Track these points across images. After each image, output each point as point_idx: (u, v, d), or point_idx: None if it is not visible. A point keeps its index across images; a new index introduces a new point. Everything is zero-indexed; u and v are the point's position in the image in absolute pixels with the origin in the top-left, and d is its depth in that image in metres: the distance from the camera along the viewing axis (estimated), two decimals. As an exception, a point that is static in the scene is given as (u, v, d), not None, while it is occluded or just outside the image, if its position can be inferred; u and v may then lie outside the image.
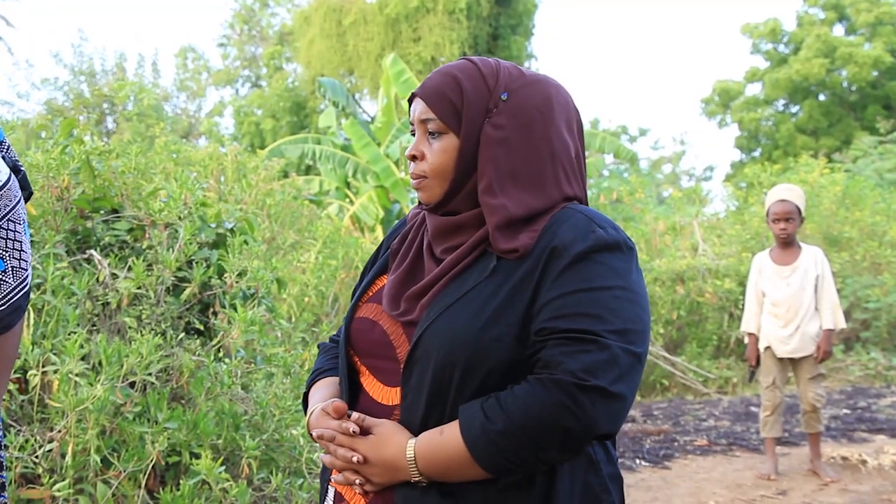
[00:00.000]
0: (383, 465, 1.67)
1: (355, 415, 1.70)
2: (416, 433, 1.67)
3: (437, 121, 1.77)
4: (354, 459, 1.67)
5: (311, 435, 1.83)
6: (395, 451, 1.66)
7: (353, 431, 1.68)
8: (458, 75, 1.79)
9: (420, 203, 1.89)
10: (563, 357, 1.57)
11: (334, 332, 2.14)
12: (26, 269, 1.75)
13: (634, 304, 1.66)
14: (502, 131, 1.76)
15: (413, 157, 1.80)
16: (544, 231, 1.71)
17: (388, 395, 1.75)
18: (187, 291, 4.21)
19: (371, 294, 1.89)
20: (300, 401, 2.03)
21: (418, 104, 1.81)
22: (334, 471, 1.78)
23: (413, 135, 1.85)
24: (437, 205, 1.80)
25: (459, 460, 1.61)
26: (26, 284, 1.76)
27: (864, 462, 6.53)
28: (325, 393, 1.90)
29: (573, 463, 1.68)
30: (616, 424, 1.62)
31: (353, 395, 1.82)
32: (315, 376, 1.99)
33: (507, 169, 1.75)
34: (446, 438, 1.63)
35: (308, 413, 1.87)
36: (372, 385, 1.80)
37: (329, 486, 1.85)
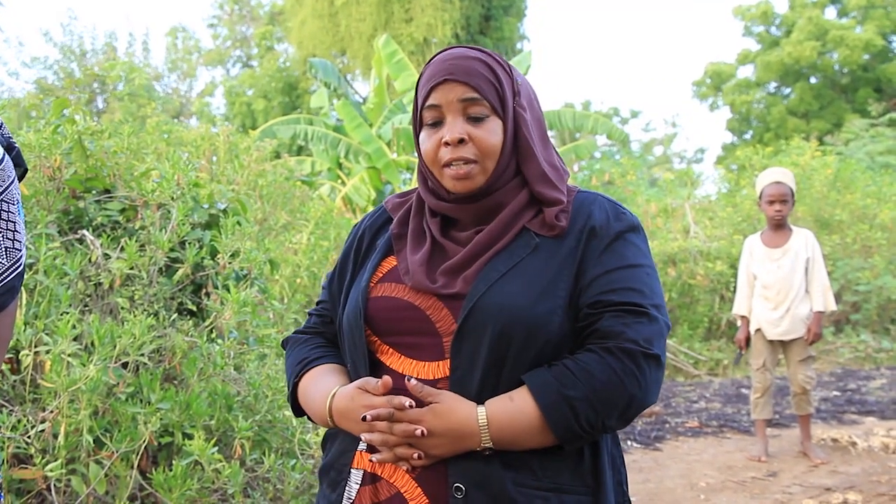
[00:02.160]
0: (450, 434, 1.65)
1: (413, 382, 1.67)
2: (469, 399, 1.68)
3: (484, 104, 1.78)
4: (418, 433, 1.65)
5: (331, 420, 1.80)
6: (463, 418, 1.65)
7: (410, 405, 1.66)
8: (485, 59, 1.82)
9: (426, 195, 1.88)
10: (624, 327, 1.67)
11: (300, 325, 2.11)
12: (20, 250, 1.74)
13: (658, 281, 1.78)
14: (527, 114, 1.84)
15: (461, 141, 1.77)
16: (575, 212, 1.81)
17: (427, 370, 1.74)
18: (180, 272, 4.20)
19: (380, 275, 1.87)
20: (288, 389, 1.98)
21: (455, 87, 1.78)
22: (359, 452, 1.77)
23: (431, 124, 1.82)
24: (478, 193, 1.81)
25: (531, 426, 1.64)
26: (20, 265, 1.74)
27: (853, 444, 6.56)
28: (333, 379, 1.86)
29: (605, 436, 1.78)
30: (657, 394, 1.72)
31: (374, 376, 1.78)
32: (303, 367, 1.93)
33: (542, 150, 1.86)
34: (518, 405, 1.65)
35: (328, 399, 1.80)
36: (400, 363, 1.77)
37: (352, 469, 1.80)
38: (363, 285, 1.85)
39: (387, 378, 1.70)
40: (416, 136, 1.88)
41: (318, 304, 2.07)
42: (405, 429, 1.66)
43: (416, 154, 1.91)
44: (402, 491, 1.72)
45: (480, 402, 1.67)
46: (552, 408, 1.63)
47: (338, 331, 1.92)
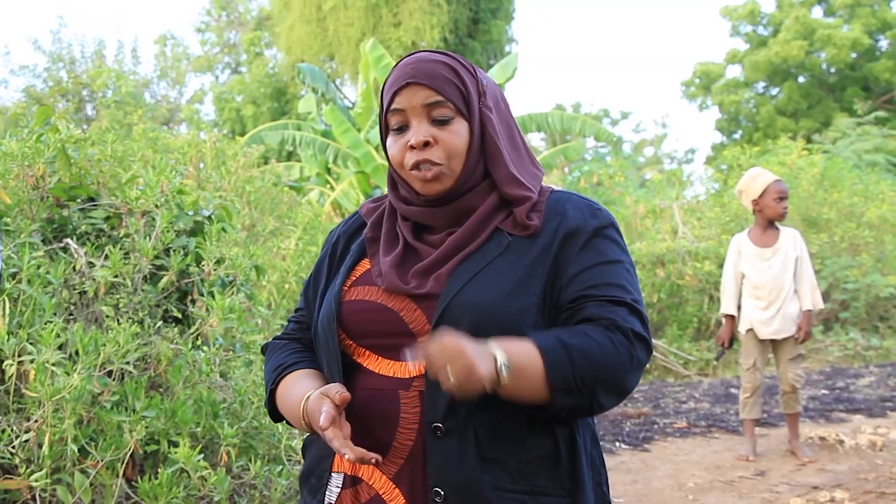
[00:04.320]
0: (472, 353, 1.53)
1: (409, 358, 1.67)
2: (443, 401, 1.67)
3: (448, 105, 1.79)
4: (372, 461, 1.64)
5: (305, 423, 1.78)
6: (475, 343, 1.57)
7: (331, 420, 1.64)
8: (448, 62, 1.82)
9: (399, 198, 1.88)
10: (610, 314, 1.69)
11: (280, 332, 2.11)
12: (-3, 259, 1.75)
13: (636, 277, 1.80)
14: (493, 115, 1.85)
15: (426, 144, 1.77)
16: (549, 211, 1.81)
17: (403, 369, 1.75)
18: (165, 279, 4.20)
19: (354, 278, 1.87)
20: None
21: (418, 91, 1.78)
22: (339, 457, 1.75)
23: (397, 129, 1.82)
24: (446, 196, 1.81)
25: (532, 365, 1.61)
26: (-3, 274, 1.75)
27: (841, 442, 6.57)
28: (308, 383, 1.85)
29: (584, 437, 1.80)
30: (639, 380, 1.76)
31: (348, 379, 1.79)
32: (280, 373, 1.93)
33: (511, 151, 1.86)
34: (521, 343, 1.64)
35: (302, 402, 1.78)
36: (376, 363, 1.78)
37: (332, 473, 1.81)
38: (336, 289, 1.85)
39: (346, 393, 1.69)
40: (384, 141, 1.88)
41: (296, 310, 2.08)
42: (339, 445, 1.64)
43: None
44: (380, 493, 1.73)
45: (456, 404, 1.67)
46: (551, 349, 1.63)
47: (313, 335, 1.92)
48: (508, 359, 1.58)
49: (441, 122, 1.78)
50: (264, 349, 2.08)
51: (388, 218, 1.92)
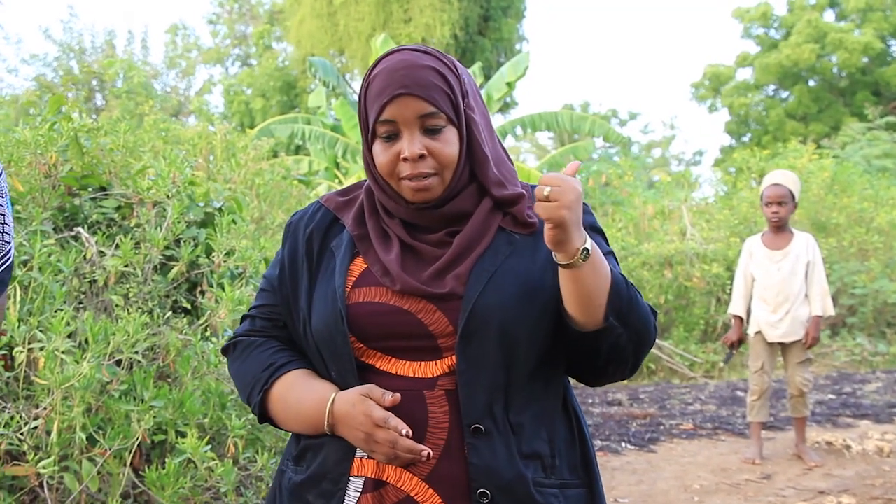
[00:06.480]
0: (577, 212, 1.58)
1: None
2: (480, 401, 1.69)
3: (441, 116, 1.75)
4: (424, 455, 1.65)
5: (328, 426, 1.73)
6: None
7: (407, 433, 1.65)
8: (436, 66, 1.78)
9: (377, 204, 1.85)
10: None
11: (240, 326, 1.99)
12: (9, 243, 1.73)
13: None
14: (476, 115, 1.82)
15: (421, 157, 1.73)
16: None
17: (423, 369, 1.73)
18: (175, 270, 4.20)
19: (353, 279, 1.80)
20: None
21: (411, 102, 1.73)
22: (358, 459, 1.74)
23: (386, 137, 1.76)
24: (439, 202, 1.79)
25: (604, 273, 1.66)
26: (9, 259, 1.74)
27: (848, 447, 6.56)
28: (322, 384, 1.79)
29: (587, 431, 1.84)
30: (643, 359, 1.83)
31: (362, 381, 1.74)
32: (273, 372, 1.84)
33: (493, 150, 1.85)
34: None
35: (328, 404, 1.73)
36: (391, 364, 1.75)
37: (351, 478, 1.75)
38: (340, 291, 1.77)
39: (397, 395, 1.68)
40: (367, 145, 1.82)
41: (259, 306, 1.95)
42: (411, 446, 1.65)
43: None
44: (411, 494, 1.70)
45: (493, 399, 1.70)
46: (618, 275, 1.69)
47: (302, 338, 1.84)
48: (592, 251, 1.62)
49: (433, 132, 1.75)
50: (230, 347, 1.96)
51: (371, 214, 1.86)
